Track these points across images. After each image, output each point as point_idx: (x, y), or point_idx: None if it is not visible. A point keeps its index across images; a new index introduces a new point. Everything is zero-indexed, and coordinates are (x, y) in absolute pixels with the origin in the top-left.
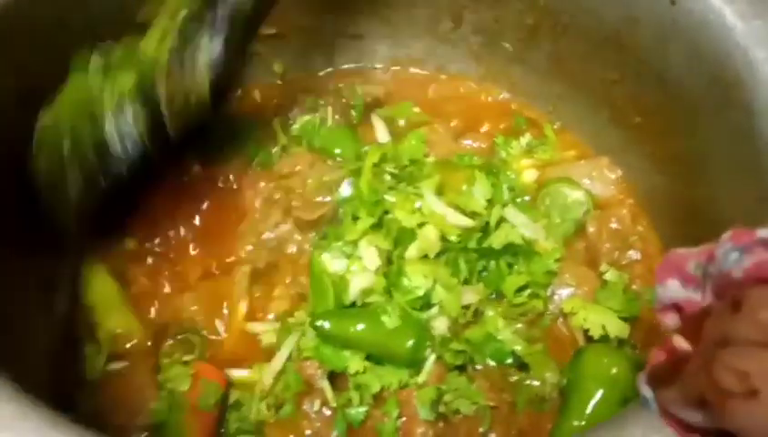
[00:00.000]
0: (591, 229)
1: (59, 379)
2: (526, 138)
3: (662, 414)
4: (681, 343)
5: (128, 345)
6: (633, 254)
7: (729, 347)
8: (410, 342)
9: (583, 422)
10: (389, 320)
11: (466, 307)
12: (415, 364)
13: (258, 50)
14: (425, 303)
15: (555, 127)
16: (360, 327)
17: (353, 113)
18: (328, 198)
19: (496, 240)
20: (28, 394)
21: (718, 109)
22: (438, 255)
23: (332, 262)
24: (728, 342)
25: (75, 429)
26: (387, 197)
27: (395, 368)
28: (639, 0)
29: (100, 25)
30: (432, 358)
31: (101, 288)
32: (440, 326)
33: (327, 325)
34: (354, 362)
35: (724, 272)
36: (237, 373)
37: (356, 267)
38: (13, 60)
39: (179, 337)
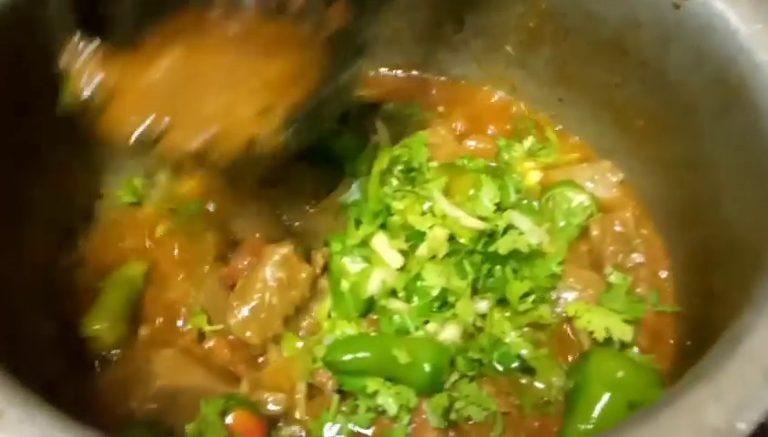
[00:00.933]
0: (594, 233)
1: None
2: (529, 141)
3: None
4: None
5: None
6: (637, 257)
7: None
8: (427, 368)
9: (590, 426)
10: (401, 355)
11: (480, 316)
12: (436, 389)
13: None
14: (442, 303)
15: (557, 129)
16: (374, 358)
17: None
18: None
19: (503, 246)
20: (36, 396)
21: (722, 111)
22: (445, 257)
23: (352, 266)
24: None
25: (81, 431)
26: (393, 202)
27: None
28: (641, 3)
29: None
30: (454, 378)
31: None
32: (452, 334)
33: (339, 359)
34: (373, 382)
35: None
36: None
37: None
38: (10, 61)
39: None
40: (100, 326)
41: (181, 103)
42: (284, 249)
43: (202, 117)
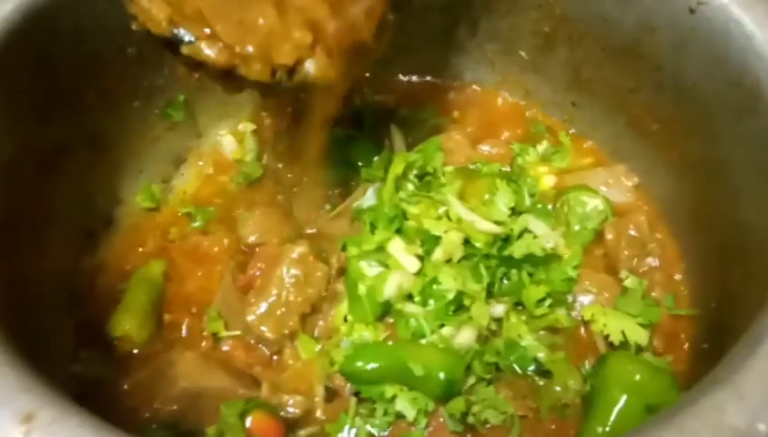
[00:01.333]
0: (609, 237)
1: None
2: (543, 146)
3: None
4: None
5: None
6: (652, 261)
7: None
8: (442, 377)
9: (608, 429)
10: (416, 368)
11: (496, 319)
12: (451, 396)
13: None
14: (458, 306)
15: (570, 133)
16: (389, 368)
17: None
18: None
19: (517, 250)
20: (66, 397)
21: (738, 115)
22: (460, 260)
23: (369, 270)
24: None
25: (110, 433)
26: (408, 207)
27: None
28: (657, 9)
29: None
30: (471, 381)
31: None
32: (468, 337)
33: (356, 369)
34: (390, 388)
35: None
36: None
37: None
38: (34, 68)
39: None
40: (130, 325)
41: (223, 11)
42: (300, 248)
43: (241, 31)
